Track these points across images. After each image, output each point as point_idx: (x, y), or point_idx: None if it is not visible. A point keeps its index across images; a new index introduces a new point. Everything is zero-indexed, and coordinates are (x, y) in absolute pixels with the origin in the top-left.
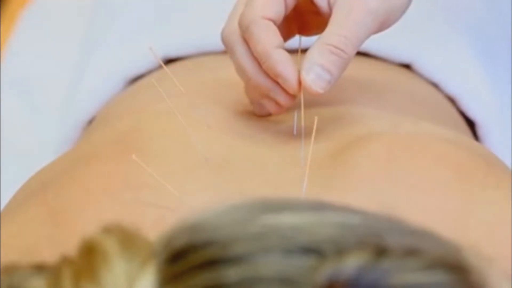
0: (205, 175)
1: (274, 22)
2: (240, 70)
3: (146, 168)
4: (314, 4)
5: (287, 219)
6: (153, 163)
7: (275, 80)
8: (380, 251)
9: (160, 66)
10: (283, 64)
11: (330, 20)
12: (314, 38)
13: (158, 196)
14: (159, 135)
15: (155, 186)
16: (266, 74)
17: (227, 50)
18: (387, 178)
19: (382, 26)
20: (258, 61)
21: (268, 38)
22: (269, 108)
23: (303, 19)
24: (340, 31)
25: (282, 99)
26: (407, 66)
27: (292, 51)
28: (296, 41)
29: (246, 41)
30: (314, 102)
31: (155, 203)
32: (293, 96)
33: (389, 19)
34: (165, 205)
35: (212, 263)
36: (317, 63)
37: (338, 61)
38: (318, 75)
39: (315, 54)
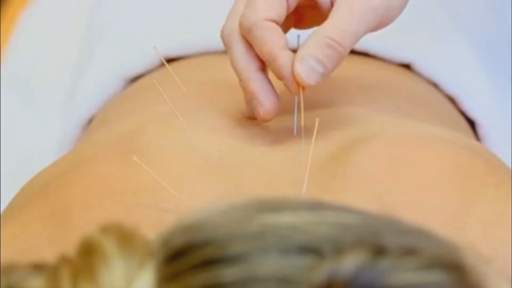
0: (205, 177)
1: (277, 23)
2: (235, 70)
3: (147, 170)
4: None
5: (285, 219)
6: (154, 165)
7: (262, 90)
8: (378, 251)
9: (160, 66)
10: (289, 67)
11: (330, 14)
12: None
13: (158, 198)
14: (159, 137)
15: (156, 188)
16: (255, 81)
17: (226, 49)
18: (387, 178)
19: (381, 24)
20: (253, 65)
21: (274, 39)
22: (254, 112)
23: (298, 12)
24: (339, 24)
25: (260, 112)
26: (407, 66)
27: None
28: (294, 40)
29: (245, 42)
30: (314, 103)
31: (156, 205)
32: (271, 114)
33: (388, 16)
34: (166, 207)
35: (210, 262)
36: (311, 54)
37: (333, 54)
38: (311, 67)
39: (310, 45)
